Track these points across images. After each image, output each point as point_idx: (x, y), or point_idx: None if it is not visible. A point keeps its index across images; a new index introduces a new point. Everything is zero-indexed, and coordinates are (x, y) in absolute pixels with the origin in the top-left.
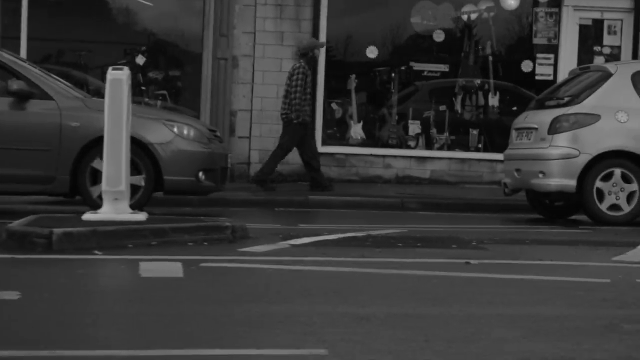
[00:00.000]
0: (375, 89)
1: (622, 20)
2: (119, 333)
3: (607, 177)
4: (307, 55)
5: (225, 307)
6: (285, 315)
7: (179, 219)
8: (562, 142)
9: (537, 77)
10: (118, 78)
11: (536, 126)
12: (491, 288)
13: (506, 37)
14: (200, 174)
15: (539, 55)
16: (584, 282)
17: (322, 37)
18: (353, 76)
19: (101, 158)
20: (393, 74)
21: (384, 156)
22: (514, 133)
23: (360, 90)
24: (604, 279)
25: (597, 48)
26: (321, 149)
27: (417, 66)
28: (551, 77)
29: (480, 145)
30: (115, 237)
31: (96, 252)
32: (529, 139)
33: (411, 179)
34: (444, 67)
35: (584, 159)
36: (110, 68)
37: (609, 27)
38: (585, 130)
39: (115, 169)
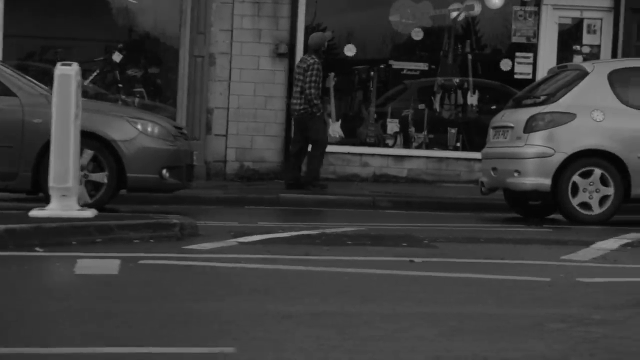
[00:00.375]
0: (354, 87)
1: (601, 19)
2: (37, 331)
3: (586, 175)
4: (318, 51)
5: (150, 305)
6: (208, 313)
7: (127, 216)
8: (537, 141)
9: (516, 76)
10: (66, 74)
11: (512, 125)
12: (427, 286)
13: (486, 35)
14: (164, 171)
15: (518, 54)
16: (523, 281)
17: (300, 36)
18: (332, 74)
19: None
20: (372, 73)
21: (361, 154)
22: (491, 132)
23: (340, 88)
24: (545, 278)
25: (576, 47)
26: None
27: (396, 64)
28: (530, 76)
29: (458, 144)
30: (59, 234)
31: (37, 249)
32: (505, 138)
33: (388, 178)
34: (423, 66)
35: (558, 158)
36: (58, 64)
37: (589, 26)
38: (560, 129)
39: (62, 166)
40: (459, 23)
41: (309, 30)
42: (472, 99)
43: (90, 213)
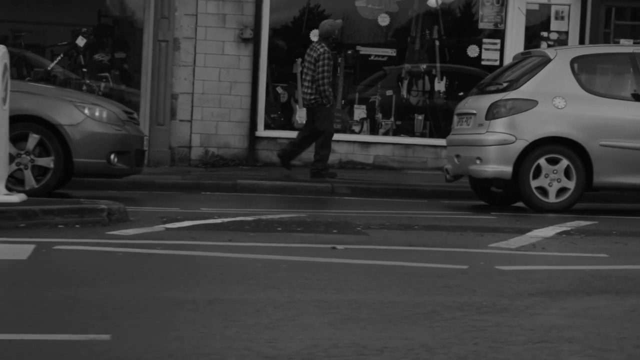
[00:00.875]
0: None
1: (569, 5)
2: None
3: (552, 162)
4: (328, 39)
5: (41, 291)
6: (97, 300)
7: (55, 201)
8: (499, 128)
9: (483, 62)
10: None
11: (475, 112)
12: (336, 273)
13: (453, 21)
14: (112, 156)
15: (485, 40)
16: (439, 268)
17: (265, 21)
18: (299, 60)
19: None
20: (340, 59)
21: None
22: (455, 118)
23: None
24: (462, 265)
25: (544, 33)
26: (263, 133)
27: (363, 50)
28: (497, 63)
29: (426, 131)
30: None
31: None
32: (469, 125)
33: (354, 164)
34: (391, 52)
35: (520, 145)
36: None
37: (557, 12)
38: (522, 116)
39: None
40: (426, 8)
41: (273, 16)
42: (440, 86)
43: (17, 198)
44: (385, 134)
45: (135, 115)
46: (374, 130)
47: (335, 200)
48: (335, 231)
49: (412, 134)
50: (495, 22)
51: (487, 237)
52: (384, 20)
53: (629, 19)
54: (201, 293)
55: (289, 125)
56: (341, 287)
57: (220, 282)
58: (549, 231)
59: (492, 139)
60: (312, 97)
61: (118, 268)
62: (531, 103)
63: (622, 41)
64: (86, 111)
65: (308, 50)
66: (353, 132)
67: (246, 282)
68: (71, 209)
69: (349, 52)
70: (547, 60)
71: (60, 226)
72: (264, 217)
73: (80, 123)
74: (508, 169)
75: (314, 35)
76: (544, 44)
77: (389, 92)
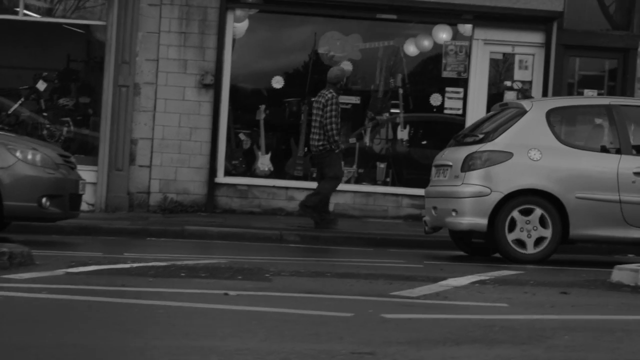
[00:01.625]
0: (284, 120)
1: (533, 55)
2: None
3: (526, 213)
4: (336, 85)
5: None
6: None
7: None
8: (474, 180)
9: (446, 111)
10: None
11: (451, 163)
12: (212, 320)
13: (417, 70)
14: (44, 200)
15: (448, 89)
16: (320, 316)
17: (227, 67)
18: (263, 107)
19: None
20: (303, 106)
21: (287, 188)
22: (433, 170)
23: (270, 121)
24: (348, 313)
25: (507, 83)
26: (223, 179)
27: None
28: (460, 111)
29: (388, 179)
30: None
31: None
32: (445, 177)
33: None
34: (355, 99)
35: (495, 198)
36: None
37: (520, 61)
38: (497, 168)
39: None
40: (390, 56)
41: (234, 62)
42: (403, 134)
43: None
44: (347, 182)
45: (72, 159)
46: None
47: (281, 247)
48: (240, 277)
49: (374, 181)
50: (459, 71)
51: (395, 285)
52: (347, 67)
53: (594, 69)
54: (35, 338)
55: (249, 172)
56: (203, 333)
57: (69, 327)
58: (464, 280)
59: (468, 191)
60: (320, 143)
61: None
62: (506, 155)
63: (586, 92)
64: (18, 154)
65: (316, 97)
66: (314, 179)
67: (107, 327)
68: None
69: (312, 99)
70: (523, 112)
71: None
72: (179, 262)
73: (11, 166)
74: (483, 222)
75: (276, 82)
76: (507, 94)
77: (352, 140)
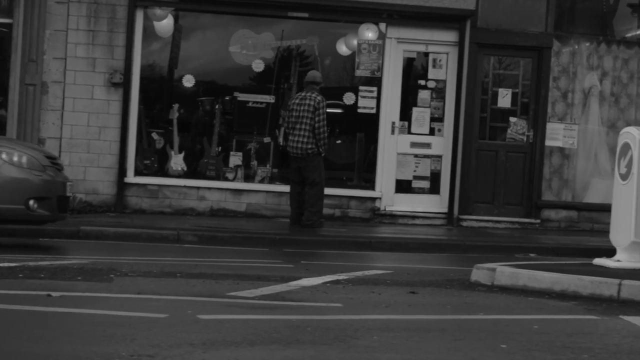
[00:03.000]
0: (198, 119)
1: (447, 53)
2: None
3: None
4: (319, 86)
5: None
6: None
7: None
8: None
9: (359, 110)
10: None
11: None
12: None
13: (330, 68)
14: (32, 202)
15: (361, 87)
16: (127, 317)
17: (136, 65)
18: (176, 106)
19: None
20: (217, 105)
21: (198, 188)
22: None
23: (183, 120)
24: (162, 314)
25: (421, 82)
26: (133, 179)
27: (241, 96)
28: (374, 110)
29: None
30: None
31: None
32: None
33: (226, 212)
34: (269, 98)
35: None
36: None
37: (434, 60)
38: None
39: None
40: (303, 55)
41: (144, 60)
42: None
43: None
44: (261, 181)
45: (58, 161)
46: (248, 178)
47: (164, 247)
48: (79, 278)
49: (287, 181)
50: (372, 70)
51: (241, 285)
52: (258, 66)
53: (508, 68)
54: None
55: (161, 172)
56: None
57: None
58: (317, 280)
59: None
60: (309, 146)
61: None
62: None
63: (500, 90)
64: (3, 156)
65: (298, 100)
66: (226, 179)
67: None
68: None
69: (227, 98)
70: None
71: None
72: (32, 263)
73: None
74: None
75: (187, 81)
76: (422, 92)
77: (267, 140)
